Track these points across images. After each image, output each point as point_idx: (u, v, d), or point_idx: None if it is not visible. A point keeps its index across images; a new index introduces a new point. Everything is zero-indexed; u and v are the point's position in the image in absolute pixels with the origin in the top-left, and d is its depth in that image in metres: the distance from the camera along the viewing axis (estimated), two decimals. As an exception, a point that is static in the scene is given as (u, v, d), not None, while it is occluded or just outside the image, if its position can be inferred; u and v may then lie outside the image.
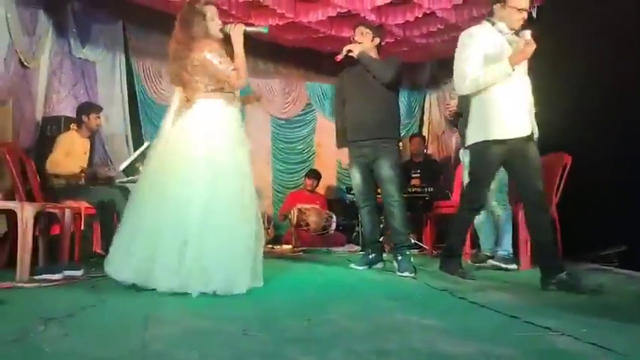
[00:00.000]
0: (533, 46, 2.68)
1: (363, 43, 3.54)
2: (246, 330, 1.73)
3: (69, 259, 3.52)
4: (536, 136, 2.82)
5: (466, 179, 3.60)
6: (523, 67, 2.82)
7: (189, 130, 2.67)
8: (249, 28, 2.80)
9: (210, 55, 2.66)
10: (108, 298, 2.39)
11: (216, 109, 2.72)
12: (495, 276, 3.27)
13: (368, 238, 3.77)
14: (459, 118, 3.79)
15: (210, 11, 2.78)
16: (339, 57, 3.48)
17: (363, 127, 3.52)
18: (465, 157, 3.74)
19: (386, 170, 3.45)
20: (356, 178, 3.64)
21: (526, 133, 2.76)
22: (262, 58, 6.37)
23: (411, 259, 3.37)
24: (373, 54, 3.56)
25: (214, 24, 2.77)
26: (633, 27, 3.39)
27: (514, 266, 3.53)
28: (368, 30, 3.62)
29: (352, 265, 3.68)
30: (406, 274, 3.23)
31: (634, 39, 3.37)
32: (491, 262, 3.58)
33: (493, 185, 3.45)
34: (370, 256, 3.67)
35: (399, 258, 3.36)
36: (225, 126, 2.71)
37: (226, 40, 2.78)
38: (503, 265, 3.51)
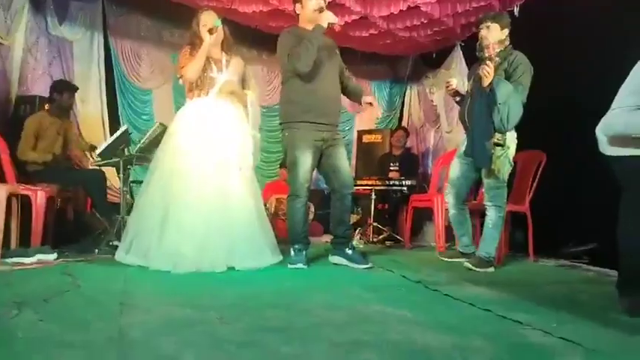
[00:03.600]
0: None
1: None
2: (222, 318, 1.74)
3: (42, 243, 3.46)
4: None
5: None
6: None
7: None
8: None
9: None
10: (82, 283, 2.36)
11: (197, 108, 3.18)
12: (470, 270, 3.33)
13: (301, 233, 3.28)
14: (459, 97, 3.58)
15: (203, 18, 3.20)
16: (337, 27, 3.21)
17: (328, 110, 3.26)
18: (462, 145, 3.51)
19: (344, 160, 3.36)
20: (307, 162, 3.19)
21: None
22: (246, 45, 6.29)
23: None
24: None
25: (203, 28, 3.15)
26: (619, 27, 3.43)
27: (491, 269, 3.27)
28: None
29: (290, 266, 3.15)
30: (367, 265, 3.18)
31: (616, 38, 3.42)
32: (466, 264, 3.30)
33: (490, 181, 3.29)
34: (305, 253, 3.27)
35: (350, 252, 3.26)
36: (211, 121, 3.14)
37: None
38: (479, 270, 3.22)
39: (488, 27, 3.29)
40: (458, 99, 3.60)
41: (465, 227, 3.66)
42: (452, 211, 3.67)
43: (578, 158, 3.46)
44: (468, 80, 3.57)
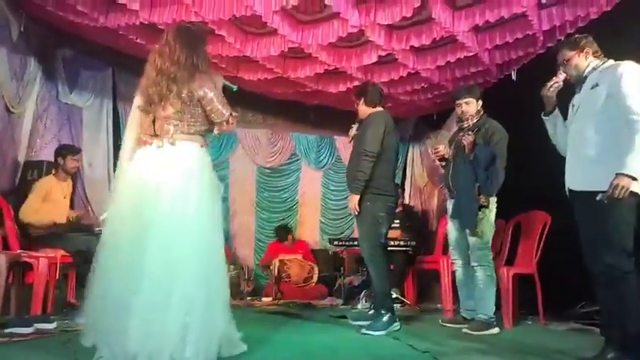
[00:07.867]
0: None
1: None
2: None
3: (42, 310, 3.40)
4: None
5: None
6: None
7: (170, 177, 2.30)
8: (224, 80, 2.56)
9: (212, 93, 2.38)
10: (80, 357, 2.29)
11: (199, 155, 2.41)
12: (479, 337, 3.22)
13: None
14: (444, 161, 3.75)
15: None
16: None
17: (349, 179, 3.63)
18: (449, 205, 3.68)
19: (360, 228, 3.54)
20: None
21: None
22: (251, 110, 6.49)
23: (384, 319, 3.26)
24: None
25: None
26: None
27: (495, 331, 3.33)
28: (356, 98, 3.76)
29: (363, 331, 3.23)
30: (363, 330, 3.22)
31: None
32: (465, 330, 3.33)
33: (474, 242, 3.43)
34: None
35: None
36: (204, 176, 2.39)
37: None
38: (478, 333, 3.26)
39: (467, 102, 3.57)
40: (443, 164, 3.78)
41: (470, 289, 3.59)
42: (458, 271, 3.68)
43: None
44: (449, 145, 3.74)
